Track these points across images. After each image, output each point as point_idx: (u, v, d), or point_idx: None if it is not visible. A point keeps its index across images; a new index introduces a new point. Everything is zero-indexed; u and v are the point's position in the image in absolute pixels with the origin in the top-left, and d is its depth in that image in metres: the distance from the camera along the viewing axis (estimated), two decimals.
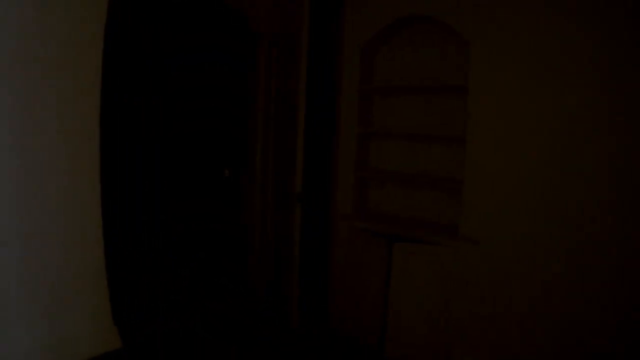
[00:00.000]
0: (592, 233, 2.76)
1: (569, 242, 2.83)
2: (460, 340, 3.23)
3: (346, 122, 3.81)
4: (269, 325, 3.96)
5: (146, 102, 4.19)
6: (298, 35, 3.69)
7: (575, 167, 2.82)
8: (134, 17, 3.97)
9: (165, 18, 4.19)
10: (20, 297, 2.95)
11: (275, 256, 4.26)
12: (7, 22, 2.63)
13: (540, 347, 2.94)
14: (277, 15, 4.14)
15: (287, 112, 3.97)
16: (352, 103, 3.76)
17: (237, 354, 3.50)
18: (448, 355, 3.27)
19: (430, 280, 3.33)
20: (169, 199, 4.45)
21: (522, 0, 2.94)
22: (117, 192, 3.80)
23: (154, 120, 4.32)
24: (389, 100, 3.84)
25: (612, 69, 2.69)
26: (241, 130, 4.46)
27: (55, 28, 2.84)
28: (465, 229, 3.22)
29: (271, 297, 4.30)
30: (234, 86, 4.42)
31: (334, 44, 3.84)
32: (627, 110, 2.65)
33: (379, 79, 3.83)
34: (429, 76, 3.56)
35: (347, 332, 3.81)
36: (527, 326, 2.99)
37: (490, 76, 3.07)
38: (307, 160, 3.81)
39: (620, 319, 2.69)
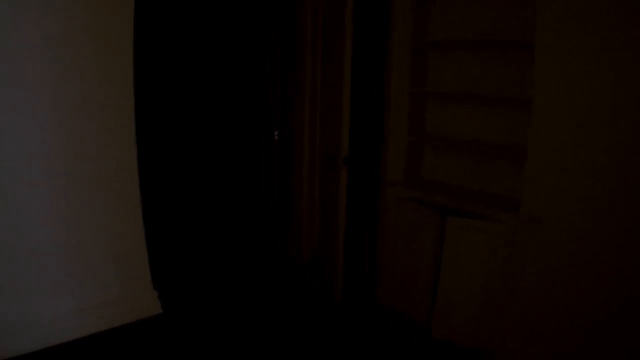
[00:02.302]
0: None
1: None
2: (516, 328, 2.89)
3: (397, 81, 3.42)
4: (312, 298, 3.79)
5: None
6: None
7: None
8: None
9: None
10: (62, 261, 3.03)
11: (320, 223, 4.05)
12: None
13: (607, 345, 2.54)
14: None
15: (334, 71, 3.64)
16: (403, 59, 3.36)
17: (276, 328, 3.38)
18: (500, 342, 2.95)
19: (486, 260, 2.98)
20: (215, 163, 4.36)
21: None
22: (156, 157, 3.72)
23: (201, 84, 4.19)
24: (445, 57, 3.38)
25: None
26: (290, 94, 4.24)
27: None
28: (527, 205, 2.80)
29: (315, 266, 4.12)
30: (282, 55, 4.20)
31: None
32: None
33: (434, 33, 3.37)
34: (491, 30, 3.06)
35: (394, 309, 3.57)
36: (591, 322, 2.59)
37: (559, 29, 2.54)
38: (355, 122, 3.50)
39: None
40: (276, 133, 4.36)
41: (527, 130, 2.78)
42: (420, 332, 3.30)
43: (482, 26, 3.12)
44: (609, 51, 2.40)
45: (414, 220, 3.35)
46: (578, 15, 2.48)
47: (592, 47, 2.45)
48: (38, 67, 2.72)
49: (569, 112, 2.58)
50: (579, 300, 2.62)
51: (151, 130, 3.60)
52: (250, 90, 4.40)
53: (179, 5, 3.97)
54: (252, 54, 4.34)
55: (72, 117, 2.89)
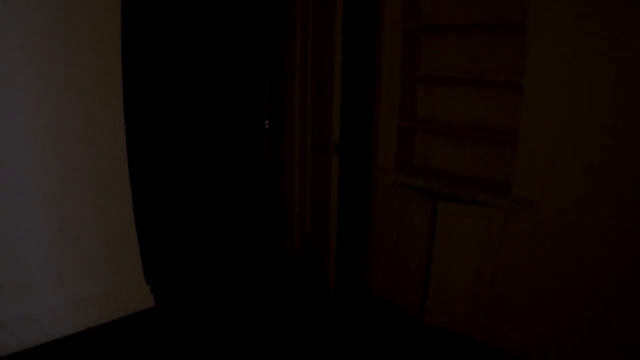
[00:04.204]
0: None
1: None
2: (507, 313, 2.91)
3: (388, 65, 3.38)
4: (305, 287, 3.79)
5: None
6: None
7: None
8: None
9: None
10: (53, 256, 3.01)
11: (312, 212, 4.03)
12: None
13: (599, 328, 2.56)
14: None
15: (325, 56, 3.59)
16: (395, 44, 3.31)
17: (272, 318, 3.37)
18: (492, 328, 2.97)
19: (478, 245, 2.99)
20: (206, 152, 4.30)
21: None
22: (146, 152, 3.66)
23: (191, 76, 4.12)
24: (436, 41, 3.33)
25: None
26: (280, 82, 4.18)
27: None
28: (518, 188, 2.81)
29: (307, 255, 4.11)
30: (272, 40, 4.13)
31: None
32: None
33: (425, 16, 3.32)
34: (482, 13, 3.01)
35: (386, 296, 3.58)
36: (583, 305, 2.60)
37: (551, 11, 2.51)
38: (346, 108, 3.45)
39: None
40: (267, 122, 4.31)
41: (519, 114, 2.76)
42: (411, 321, 3.31)
43: (473, 8, 3.08)
44: (600, 34, 2.38)
45: (406, 206, 3.34)
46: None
47: (583, 29, 2.43)
48: (25, 65, 2.67)
49: (560, 96, 2.57)
50: (572, 285, 2.64)
51: (141, 123, 3.54)
52: (240, 80, 4.34)
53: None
54: (240, 42, 4.26)
55: (61, 114, 2.85)
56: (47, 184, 2.87)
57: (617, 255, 2.47)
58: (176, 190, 4.07)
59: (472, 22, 3.05)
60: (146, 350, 2.94)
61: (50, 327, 2.94)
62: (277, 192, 4.38)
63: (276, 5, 4.01)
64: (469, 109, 3.23)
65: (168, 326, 3.20)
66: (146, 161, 3.58)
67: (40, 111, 2.76)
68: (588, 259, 2.57)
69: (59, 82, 2.79)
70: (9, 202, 2.73)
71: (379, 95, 3.49)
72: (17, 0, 2.55)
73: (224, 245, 4.40)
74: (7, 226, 2.74)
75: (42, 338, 2.90)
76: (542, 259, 2.74)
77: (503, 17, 2.89)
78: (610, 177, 2.46)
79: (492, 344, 2.98)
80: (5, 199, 2.72)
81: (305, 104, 3.99)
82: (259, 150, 4.30)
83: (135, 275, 3.34)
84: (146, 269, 3.37)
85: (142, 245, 3.30)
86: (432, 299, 3.20)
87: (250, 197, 4.48)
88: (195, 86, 4.17)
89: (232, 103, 4.35)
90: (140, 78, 3.45)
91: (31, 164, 2.79)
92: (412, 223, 3.29)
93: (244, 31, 4.21)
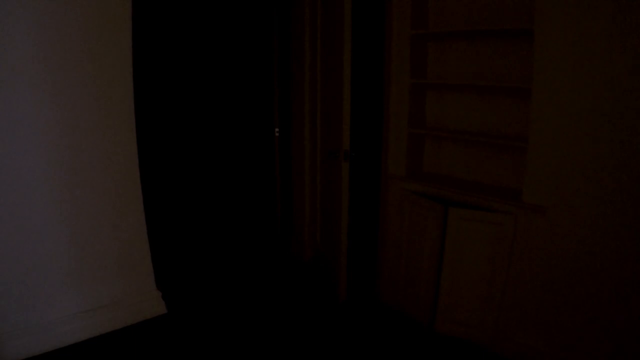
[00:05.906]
0: None
1: None
2: (518, 320, 2.87)
3: (397, 73, 3.39)
4: (315, 298, 3.78)
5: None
6: None
7: None
8: None
9: None
10: (63, 263, 3.04)
11: (322, 219, 4.04)
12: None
13: (609, 333, 2.52)
14: None
15: (334, 66, 3.62)
16: (403, 51, 3.33)
17: (282, 329, 3.37)
18: (504, 336, 2.93)
19: (489, 251, 2.96)
20: (216, 162, 4.35)
21: None
22: (158, 157, 3.71)
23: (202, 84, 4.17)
24: (445, 47, 3.35)
25: None
26: (289, 91, 4.22)
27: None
28: (529, 194, 2.79)
29: (317, 265, 4.10)
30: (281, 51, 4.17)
31: None
32: None
33: (433, 24, 3.33)
34: (488, 20, 3.03)
35: (396, 305, 3.56)
36: (594, 310, 2.56)
37: (558, 16, 2.51)
38: (356, 116, 3.47)
39: None
40: (277, 130, 4.35)
41: (529, 120, 2.75)
42: (422, 330, 3.28)
43: (480, 15, 3.09)
44: (610, 38, 2.37)
45: (416, 212, 3.33)
46: (578, 2, 2.45)
47: (594, 33, 2.42)
48: (35, 66, 2.70)
49: (568, 100, 2.55)
50: (584, 290, 2.61)
51: (152, 130, 3.58)
52: (250, 88, 4.39)
53: (178, 7, 3.95)
54: (250, 51, 4.32)
55: (71, 118, 2.88)
56: (58, 189, 2.90)
57: (628, 260, 2.44)
58: (187, 196, 4.11)
59: (479, 28, 3.05)
60: (158, 357, 2.96)
61: (61, 333, 2.97)
62: (285, 197, 4.39)
63: (284, 17, 4.05)
64: (478, 115, 3.22)
65: (180, 333, 3.21)
66: (157, 167, 3.62)
67: (51, 114, 2.79)
68: (601, 268, 2.53)
69: (68, 85, 2.81)
70: (19, 208, 2.76)
71: (388, 102, 3.51)
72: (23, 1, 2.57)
73: (232, 250, 4.41)
74: (18, 232, 2.77)
75: (53, 345, 2.92)
76: (553, 265, 2.71)
77: (509, 24, 2.89)
78: (620, 181, 2.43)
79: (500, 350, 2.95)
80: (16, 205, 2.75)
81: (315, 112, 4.02)
82: (268, 157, 4.33)
83: (147, 281, 3.35)
84: (158, 275, 3.39)
85: (153, 251, 3.33)
86: (442, 306, 3.17)
87: (258, 202, 4.49)
88: (204, 91, 4.22)
89: (241, 110, 4.39)
90: (153, 86, 3.50)
91: (41, 169, 2.82)
92: (422, 229, 3.28)
93: (254, 45, 4.25)
